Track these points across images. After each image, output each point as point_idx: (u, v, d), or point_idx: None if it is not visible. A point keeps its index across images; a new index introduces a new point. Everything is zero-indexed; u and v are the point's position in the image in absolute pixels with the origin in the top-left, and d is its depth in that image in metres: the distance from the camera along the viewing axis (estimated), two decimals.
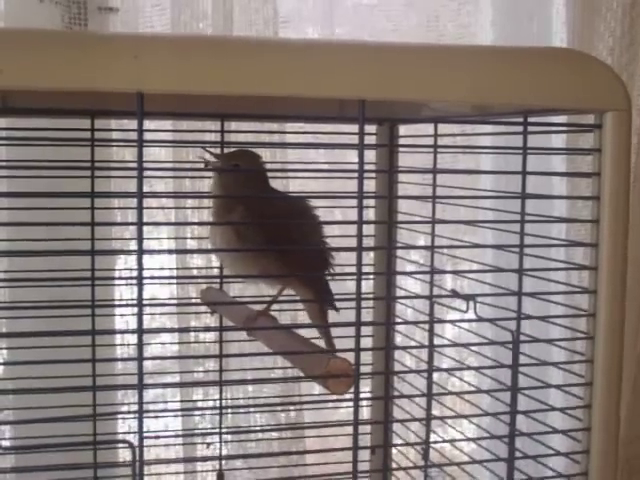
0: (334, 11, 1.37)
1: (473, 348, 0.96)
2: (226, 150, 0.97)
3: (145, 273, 0.63)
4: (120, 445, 0.96)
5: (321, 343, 0.91)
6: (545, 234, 0.80)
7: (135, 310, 0.64)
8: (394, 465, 1.10)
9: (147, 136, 0.93)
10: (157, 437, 1.10)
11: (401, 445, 1.10)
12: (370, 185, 1.08)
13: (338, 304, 0.91)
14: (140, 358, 0.64)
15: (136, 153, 0.63)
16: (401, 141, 1.10)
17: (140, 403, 0.64)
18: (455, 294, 0.85)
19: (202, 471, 1.26)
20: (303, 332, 0.84)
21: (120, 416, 1.19)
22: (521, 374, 0.78)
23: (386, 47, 0.71)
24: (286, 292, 0.93)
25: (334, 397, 0.72)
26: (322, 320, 0.93)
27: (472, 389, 0.97)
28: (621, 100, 0.71)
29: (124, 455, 1.12)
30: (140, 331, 0.64)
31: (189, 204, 1.23)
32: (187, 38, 0.81)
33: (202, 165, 0.91)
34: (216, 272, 1.10)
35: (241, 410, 1.26)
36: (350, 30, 1.40)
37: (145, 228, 0.64)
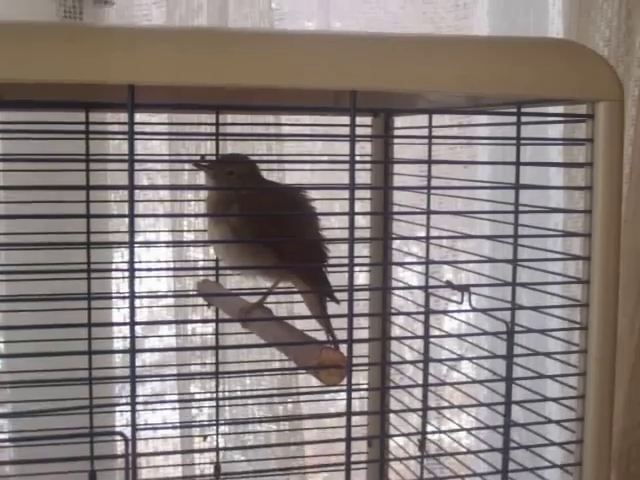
0: (331, 4, 1.36)
1: (471, 340, 0.96)
2: (221, 147, 0.97)
3: (142, 266, 0.63)
4: (115, 438, 0.96)
5: (319, 335, 0.91)
6: (543, 225, 0.80)
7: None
8: (391, 457, 1.11)
9: (143, 129, 0.93)
10: (154, 429, 1.11)
11: (397, 436, 1.10)
12: (366, 177, 1.08)
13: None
14: (132, 350, 0.64)
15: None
16: (397, 133, 1.10)
17: (132, 395, 0.65)
18: (450, 285, 0.85)
19: (200, 463, 1.26)
20: (301, 324, 0.84)
21: (118, 409, 1.19)
22: (518, 365, 0.78)
23: (377, 38, 0.71)
24: (283, 284, 0.93)
25: (332, 388, 0.72)
26: (320, 311, 0.93)
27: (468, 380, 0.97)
28: (613, 90, 0.71)
29: (122, 448, 1.12)
30: (132, 323, 0.64)
31: (186, 197, 1.23)
32: (179, 30, 0.81)
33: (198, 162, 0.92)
34: (213, 265, 1.10)
35: (238, 402, 1.26)
36: (347, 23, 1.40)
37: (145, 221, 0.64)
